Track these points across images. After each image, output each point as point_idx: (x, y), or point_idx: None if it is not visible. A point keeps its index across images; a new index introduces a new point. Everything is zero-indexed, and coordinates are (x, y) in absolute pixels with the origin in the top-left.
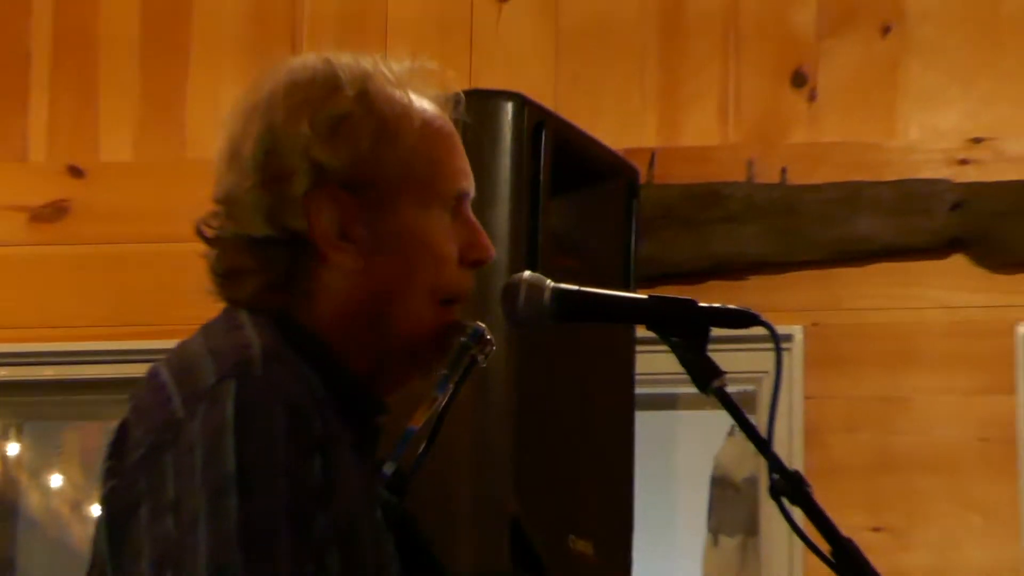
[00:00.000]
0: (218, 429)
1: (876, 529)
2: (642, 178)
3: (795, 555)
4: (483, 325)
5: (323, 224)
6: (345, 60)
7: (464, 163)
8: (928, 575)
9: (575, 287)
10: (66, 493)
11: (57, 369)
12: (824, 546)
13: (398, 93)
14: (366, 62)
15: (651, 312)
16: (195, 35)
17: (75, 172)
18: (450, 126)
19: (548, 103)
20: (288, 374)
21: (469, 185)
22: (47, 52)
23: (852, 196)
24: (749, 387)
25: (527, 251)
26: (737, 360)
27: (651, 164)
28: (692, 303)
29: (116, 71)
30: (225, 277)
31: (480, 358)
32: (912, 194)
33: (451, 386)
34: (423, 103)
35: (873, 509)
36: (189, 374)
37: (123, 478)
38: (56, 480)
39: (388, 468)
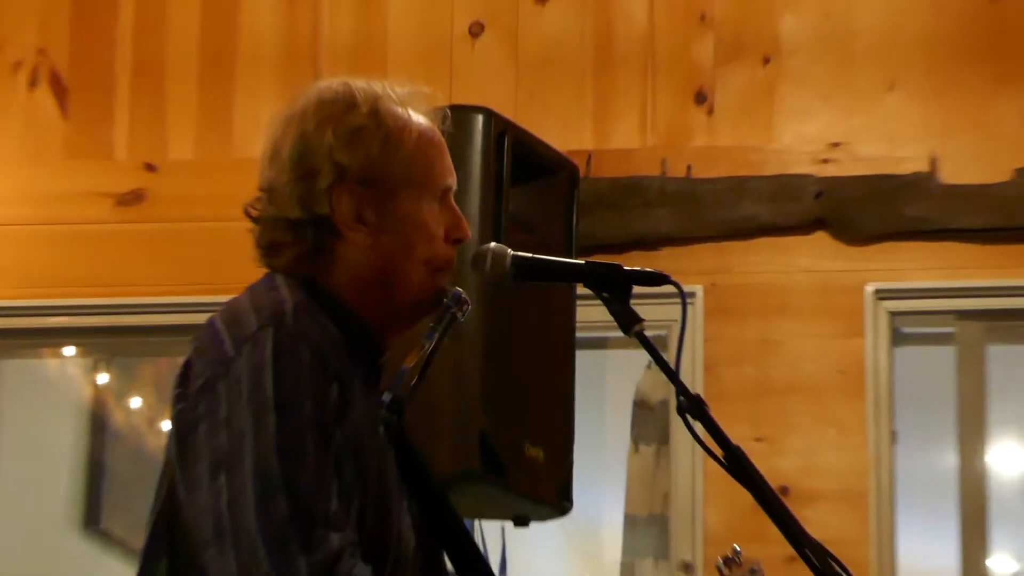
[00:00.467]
0: (259, 365)
1: (757, 439)
2: (581, 173)
3: (696, 459)
4: (461, 290)
5: (343, 210)
6: (360, 84)
7: (449, 164)
8: (796, 474)
9: (530, 255)
10: (143, 412)
11: (136, 317)
12: (718, 451)
13: (400, 110)
14: (376, 86)
15: (587, 274)
16: (240, 61)
17: (149, 168)
18: (439, 136)
19: (509, 115)
20: (312, 324)
21: (453, 181)
22: (128, 76)
23: (739, 187)
24: (662, 332)
25: (492, 228)
26: (652, 311)
27: (588, 162)
28: (618, 267)
29: (180, 90)
30: (266, 249)
31: (459, 315)
32: (785, 185)
33: (436, 336)
34: (419, 118)
35: (754, 424)
36: (237, 323)
37: (187, 402)
38: (136, 402)
39: (387, 396)
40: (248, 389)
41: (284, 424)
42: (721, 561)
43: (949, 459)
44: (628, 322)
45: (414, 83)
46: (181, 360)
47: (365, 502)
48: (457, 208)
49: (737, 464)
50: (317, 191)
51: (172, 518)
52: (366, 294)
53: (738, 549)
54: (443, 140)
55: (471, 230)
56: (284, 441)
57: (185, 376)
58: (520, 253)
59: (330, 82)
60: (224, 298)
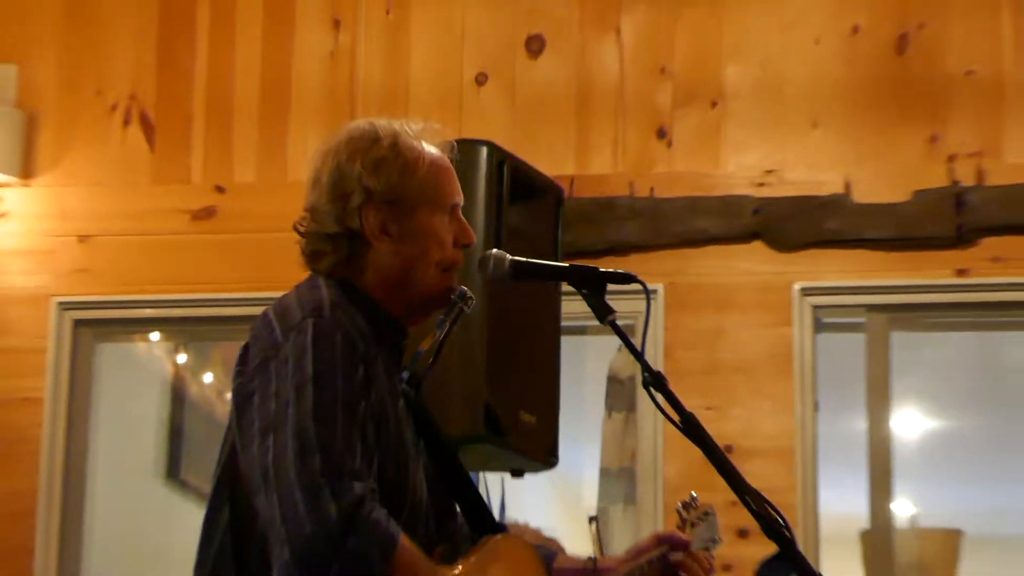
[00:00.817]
0: (302, 349)
1: (707, 408)
2: (565, 194)
3: (658, 423)
4: (467, 288)
5: (371, 224)
6: (382, 123)
7: (457, 185)
8: (738, 436)
9: (524, 259)
10: (213, 386)
11: (207, 309)
12: (675, 417)
13: (415, 143)
14: (396, 124)
15: (570, 274)
16: (292, 103)
17: (219, 189)
18: (448, 162)
19: (508, 147)
20: (345, 316)
21: (460, 198)
22: (202, 115)
23: (692, 205)
24: (630, 321)
25: (495, 237)
26: (623, 304)
27: (571, 185)
28: (595, 269)
29: (243, 126)
30: (310, 257)
31: (465, 308)
32: (729, 204)
33: (447, 325)
34: (431, 148)
35: (705, 396)
36: (285, 315)
37: (245, 377)
38: (207, 377)
39: (406, 373)
40: (292, 368)
41: (319, 396)
42: (680, 505)
43: (860, 424)
44: (603, 313)
45: (427, 121)
46: (242, 344)
47: (385, 460)
48: (464, 220)
49: (691, 427)
50: (350, 210)
51: (233, 471)
52: (390, 292)
53: (694, 495)
54: (451, 166)
55: (477, 239)
56: (319, 410)
57: (244, 357)
58: (517, 257)
59: (359, 122)
60: (277, 294)
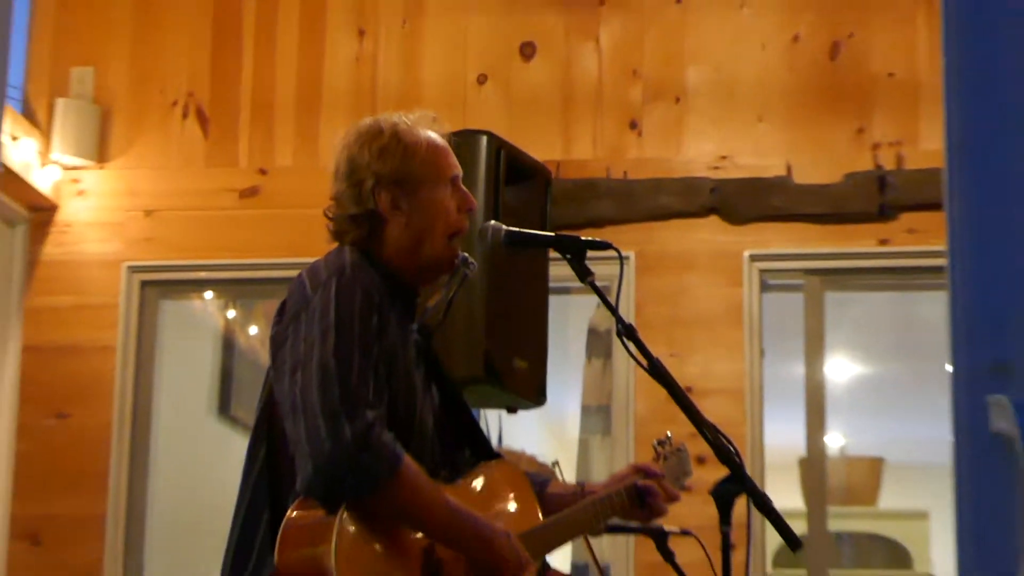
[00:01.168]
0: (327, 302)
1: (671, 355)
2: (552, 176)
3: (630, 367)
4: (469, 256)
5: (384, 203)
6: (384, 117)
7: (453, 159)
8: (697, 378)
9: (517, 229)
10: (258, 336)
11: (252, 272)
12: (644, 362)
13: (413, 130)
14: (395, 116)
15: (557, 242)
16: (324, 99)
17: (262, 172)
18: (443, 141)
19: (504, 136)
20: (364, 276)
21: (459, 171)
22: (248, 109)
23: (659, 185)
24: (606, 283)
25: (493, 213)
26: (601, 268)
27: (557, 169)
28: (577, 238)
29: (282, 119)
30: (336, 235)
31: (468, 273)
32: (690, 184)
33: (453, 286)
34: (426, 132)
35: (669, 344)
36: (315, 275)
37: (281, 327)
38: (253, 329)
39: (415, 325)
40: (318, 317)
41: (339, 339)
42: (656, 442)
43: (799, 369)
44: (583, 275)
45: (423, 111)
46: (279, 300)
47: (395, 396)
48: (464, 188)
49: (657, 371)
50: (365, 192)
51: (271, 409)
52: (404, 259)
53: (669, 435)
54: (446, 144)
55: (478, 215)
56: (339, 350)
57: (281, 310)
58: (511, 228)
59: (366, 119)
60: (309, 259)
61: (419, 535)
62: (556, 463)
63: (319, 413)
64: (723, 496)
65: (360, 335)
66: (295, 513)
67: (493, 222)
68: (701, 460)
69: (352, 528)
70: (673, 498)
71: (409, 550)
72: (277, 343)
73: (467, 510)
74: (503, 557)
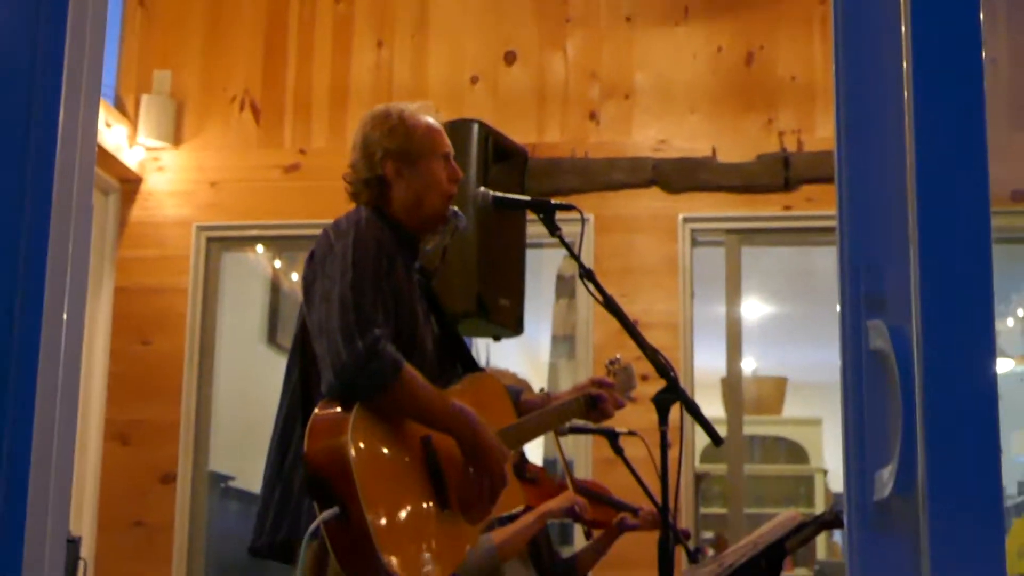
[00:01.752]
0: (346, 248)
1: (622, 295)
2: (529, 156)
3: (589, 304)
4: (459, 210)
5: (390, 172)
6: (393, 105)
7: (446, 140)
8: (641, 314)
9: (502, 195)
10: (298, 282)
11: (294, 231)
12: (600, 297)
13: (414, 115)
14: (401, 104)
15: (533, 205)
16: (351, 92)
17: (302, 151)
18: (439, 125)
19: (492, 124)
20: (376, 227)
21: (450, 149)
22: (292, 102)
23: (612, 165)
24: (571, 239)
25: (483, 184)
26: (567, 227)
27: (532, 150)
28: (549, 201)
29: (319, 109)
30: (353, 196)
31: (459, 226)
32: (637, 162)
33: (447, 234)
34: (426, 117)
35: (620, 288)
36: (337, 228)
37: (310, 269)
38: (294, 276)
39: (417, 265)
40: (340, 259)
41: (356, 276)
42: (608, 361)
43: (720, 308)
44: (553, 230)
45: (424, 101)
46: (311, 249)
47: (400, 323)
48: (455, 164)
49: (610, 305)
50: (375, 162)
51: (303, 337)
52: (408, 214)
53: (619, 356)
54: (441, 127)
55: (470, 186)
56: (355, 284)
57: (311, 257)
58: (497, 194)
59: (379, 106)
60: (332, 218)
61: (419, 427)
62: (543, 390)
63: (338, 332)
64: (661, 403)
65: (372, 273)
66: (318, 412)
67: (483, 188)
68: (645, 378)
69: (364, 422)
70: (620, 406)
71: (411, 438)
72: (308, 282)
73: (458, 404)
74: (488, 443)
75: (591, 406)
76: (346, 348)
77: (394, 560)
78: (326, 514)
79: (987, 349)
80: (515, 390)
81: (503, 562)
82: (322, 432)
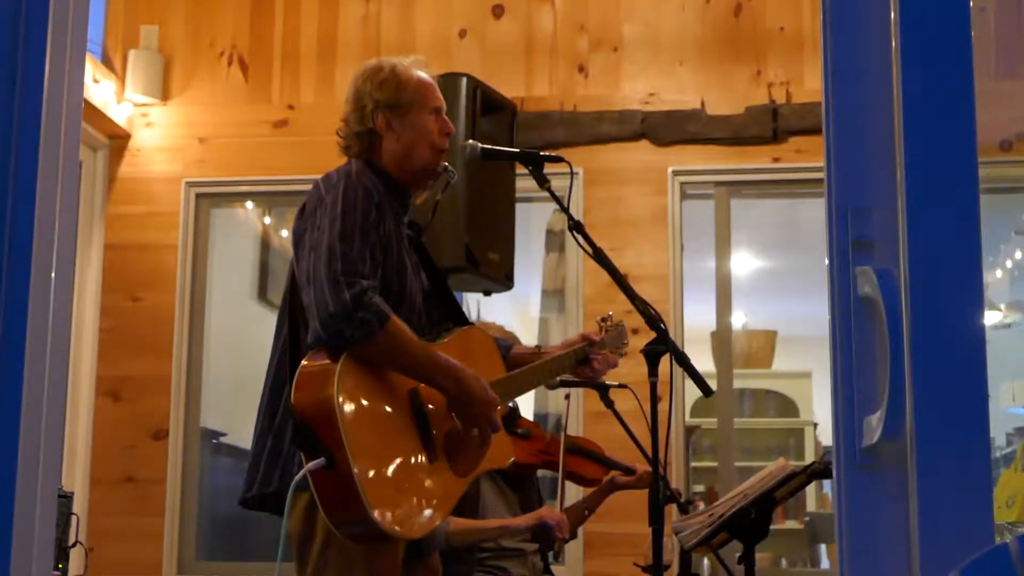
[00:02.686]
0: (336, 199)
1: (611, 249)
2: (518, 109)
3: (579, 259)
4: (449, 165)
5: (380, 123)
6: (385, 59)
7: (438, 94)
8: (631, 268)
9: (491, 146)
10: (288, 238)
11: (283, 186)
12: (589, 249)
13: (406, 69)
14: (393, 59)
15: (521, 156)
16: (339, 47)
17: (290, 107)
18: (430, 79)
19: (481, 77)
20: (366, 178)
21: (441, 103)
22: (279, 57)
23: (601, 116)
24: (561, 194)
25: (471, 137)
26: (556, 181)
27: (522, 104)
28: (537, 153)
29: (307, 64)
30: (345, 149)
31: (450, 180)
32: (626, 115)
33: (437, 189)
34: (417, 71)
35: (610, 240)
36: (328, 180)
37: (301, 221)
38: (284, 232)
39: (407, 219)
40: (329, 210)
41: (344, 226)
42: (600, 319)
43: (710, 262)
44: (542, 182)
45: (416, 56)
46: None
47: (389, 274)
48: (446, 118)
49: (599, 256)
50: (366, 114)
51: (292, 290)
52: (398, 166)
53: (611, 314)
54: (433, 82)
55: (456, 138)
56: (343, 234)
57: (302, 209)
58: (486, 145)
59: (370, 60)
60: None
61: (407, 379)
62: (539, 346)
63: (325, 280)
64: (651, 354)
65: (361, 224)
66: (305, 363)
67: (471, 140)
68: (635, 331)
69: (352, 373)
70: (611, 364)
71: (399, 391)
72: (297, 234)
73: (444, 356)
74: (474, 393)
75: (581, 362)
76: (333, 297)
77: (380, 510)
78: (313, 463)
79: (974, 291)
80: (505, 344)
81: (447, 546)
82: (309, 382)
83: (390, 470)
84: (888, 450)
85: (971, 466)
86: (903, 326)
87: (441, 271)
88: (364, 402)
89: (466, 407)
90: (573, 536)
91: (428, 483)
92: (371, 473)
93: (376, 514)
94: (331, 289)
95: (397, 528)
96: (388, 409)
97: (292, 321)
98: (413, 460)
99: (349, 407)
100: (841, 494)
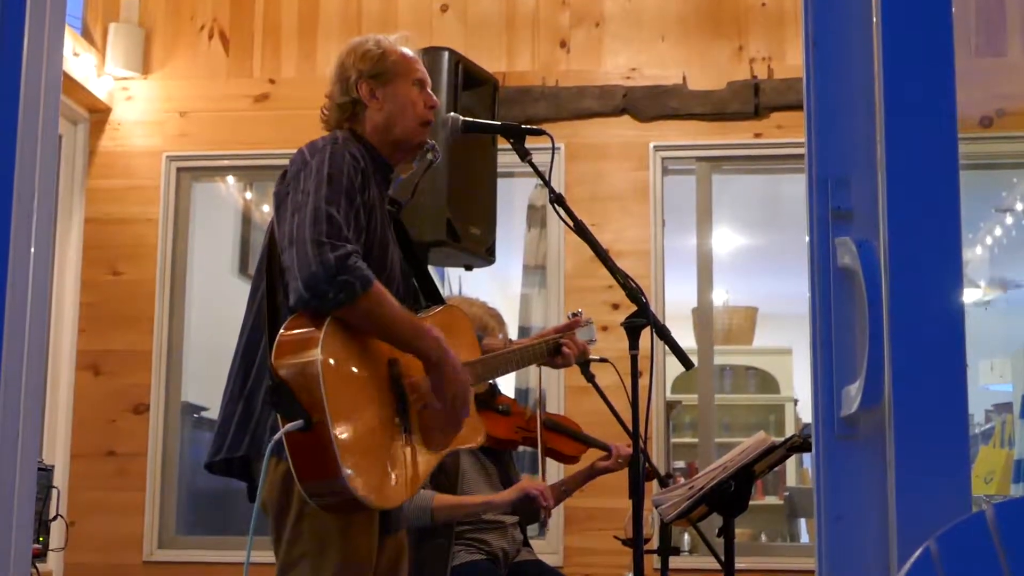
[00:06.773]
0: (321, 163)
1: (592, 224)
2: (500, 84)
3: (561, 234)
4: (435, 143)
5: (364, 93)
6: (368, 36)
7: (421, 67)
8: (613, 243)
9: (472, 119)
10: (269, 213)
11: (264, 160)
12: (570, 222)
13: (390, 42)
14: (378, 36)
15: (503, 128)
16: (320, 22)
17: (271, 81)
18: (413, 54)
19: (462, 52)
20: (352, 146)
21: (424, 76)
22: (260, 32)
23: (583, 92)
24: (542, 167)
25: (453, 112)
26: (537, 155)
27: (503, 79)
28: (519, 125)
29: (288, 39)
30: (325, 120)
31: (433, 158)
32: (608, 90)
33: (421, 167)
34: (401, 47)
35: (591, 215)
36: (312, 146)
37: (284, 185)
38: (265, 207)
39: (389, 193)
40: (314, 173)
41: (329, 189)
42: (571, 313)
43: (692, 238)
44: (523, 155)
45: (400, 32)
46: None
47: (371, 241)
48: (429, 91)
49: (581, 229)
50: (350, 85)
51: (270, 251)
52: (381, 136)
53: (580, 311)
54: (416, 56)
55: (439, 111)
56: (328, 196)
57: (283, 176)
58: (467, 118)
59: (355, 37)
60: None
61: (387, 349)
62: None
63: (309, 242)
64: (632, 327)
65: (346, 188)
66: (289, 324)
67: (452, 113)
68: (616, 306)
69: (335, 338)
70: (583, 353)
71: (379, 360)
72: (279, 198)
73: (427, 324)
74: (454, 364)
75: (554, 352)
76: (316, 258)
77: (355, 475)
78: (291, 424)
79: (953, 262)
80: (479, 336)
81: (431, 523)
82: (292, 344)
83: (366, 437)
84: (866, 419)
85: (948, 435)
86: (882, 296)
87: (419, 250)
88: (346, 368)
89: (443, 378)
90: (549, 515)
91: (402, 455)
92: (347, 437)
93: (350, 479)
94: (315, 251)
95: (372, 496)
96: (369, 378)
97: (269, 283)
98: (389, 430)
99: (332, 371)
100: (820, 463)
